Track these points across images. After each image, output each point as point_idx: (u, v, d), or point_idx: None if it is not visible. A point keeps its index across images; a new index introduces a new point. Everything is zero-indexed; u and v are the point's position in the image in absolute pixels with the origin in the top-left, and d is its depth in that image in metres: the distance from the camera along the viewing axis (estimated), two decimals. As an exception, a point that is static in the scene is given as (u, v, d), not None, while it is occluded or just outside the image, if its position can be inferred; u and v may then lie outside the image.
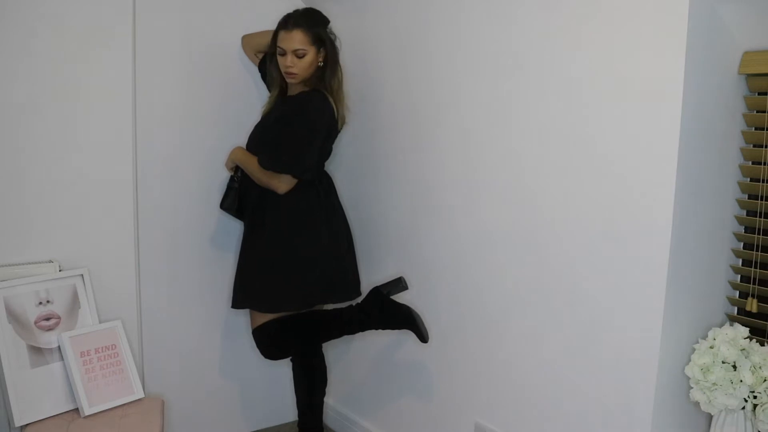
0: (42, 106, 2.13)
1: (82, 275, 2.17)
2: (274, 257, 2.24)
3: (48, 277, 2.10)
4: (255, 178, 2.26)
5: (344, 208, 2.46)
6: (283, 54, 2.18)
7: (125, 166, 2.32)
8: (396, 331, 2.42)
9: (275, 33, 2.21)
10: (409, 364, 2.40)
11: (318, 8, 2.69)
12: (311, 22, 2.19)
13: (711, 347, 1.58)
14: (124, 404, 2.06)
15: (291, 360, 2.52)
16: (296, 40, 2.16)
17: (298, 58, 2.17)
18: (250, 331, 2.39)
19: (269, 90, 2.37)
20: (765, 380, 1.52)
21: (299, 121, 2.20)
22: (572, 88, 1.75)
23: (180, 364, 2.58)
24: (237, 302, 2.33)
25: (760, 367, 1.53)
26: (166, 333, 2.53)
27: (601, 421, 1.74)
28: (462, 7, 2.05)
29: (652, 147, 1.57)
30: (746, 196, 1.70)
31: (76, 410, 2.00)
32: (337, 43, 2.27)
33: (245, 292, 2.30)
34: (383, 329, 2.26)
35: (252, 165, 2.25)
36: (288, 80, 2.23)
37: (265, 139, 2.25)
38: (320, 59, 2.21)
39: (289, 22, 2.18)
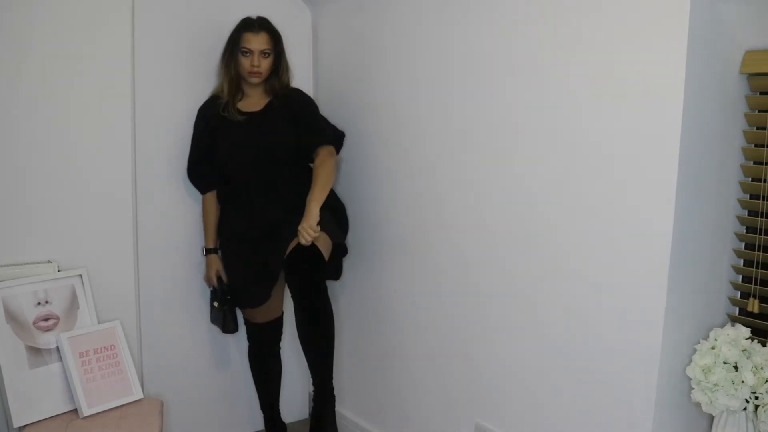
0: (40, 106, 2.12)
1: (80, 275, 2.16)
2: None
3: (47, 278, 2.10)
4: (333, 177, 2.39)
5: (346, 207, 2.54)
6: (248, 54, 2.31)
7: (124, 166, 2.31)
8: (395, 332, 2.42)
9: (237, 35, 2.32)
10: (409, 365, 2.39)
11: (318, 7, 2.70)
12: (273, 28, 2.36)
13: (712, 348, 1.57)
14: (123, 405, 2.06)
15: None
16: (264, 41, 2.31)
17: (264, 58, 2.32)
18: (255, 323, 2.53)
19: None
20: (767, 381, 1.51)
21: (313, 106, 2.48)
22: (572, 88, 1.74)
23: (179, 364, 2.58)
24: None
25: (761, 368, 1.52)
26: (165, 333, 2.52)
27: (602, 421, 1.74)
28: (462, 6, 2.05)
29: (653, 146, 1.57)
30: (748, 196, 1.69)
31: (75, 411, 2.00)
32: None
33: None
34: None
35: (331, 174, 2.36)
36: (252, 79, 2.34)
37: (310, 128, 2.40)
38: (273, 64, 2.37)
39: (254, 24, 2.32)
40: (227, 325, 2.47)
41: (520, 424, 1.98)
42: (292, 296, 2.35)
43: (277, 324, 2.59)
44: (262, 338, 2.59)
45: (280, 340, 2.62)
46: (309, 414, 2.91)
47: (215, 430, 2.71)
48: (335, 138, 2.45)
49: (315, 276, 2.31)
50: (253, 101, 2.40)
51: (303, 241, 2.21)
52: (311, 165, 2.39)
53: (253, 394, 2.74)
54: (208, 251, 2.50)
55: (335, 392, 2.41)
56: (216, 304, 2.48)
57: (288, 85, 2.43)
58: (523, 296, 1.93)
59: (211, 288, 2.51)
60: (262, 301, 2.44)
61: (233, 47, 2.32)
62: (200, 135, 2.41)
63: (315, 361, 2.36)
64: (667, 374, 1.61)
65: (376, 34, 2.41)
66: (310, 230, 2.20)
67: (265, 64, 2.33)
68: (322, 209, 2.34)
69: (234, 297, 2.48)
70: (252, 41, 2.29)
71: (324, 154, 2.37)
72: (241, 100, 2.40)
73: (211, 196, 2.47)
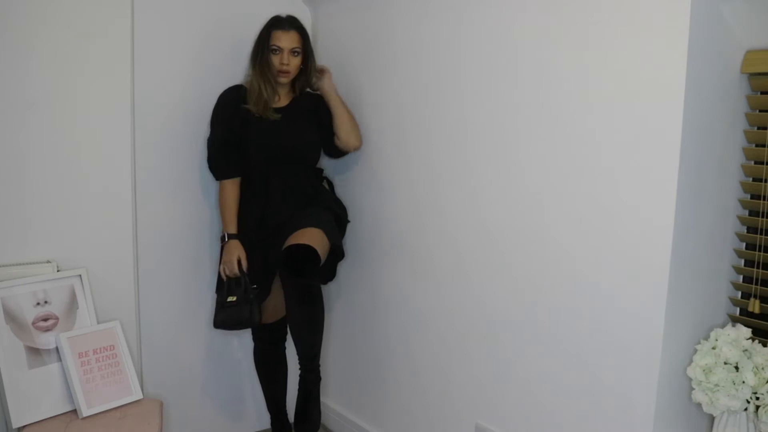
0: (40, 106, 2.12)
1: (80, 275, 2.16)
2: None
3: (46, 278, 2.09)
4: (349, 118, 2.44)
5: (348, 207, 2.55)
6: (278, 52, 2.29)
7: (124, 166, 2.31)
8: (396, 332, 2.42)
9: (267, 33, 2.30)
10: (409, 365, 2.39)
11: (318, 7, 2.70)
12: (303, 27, 2.35)
13: (713, 348, 1.57)
14: (122, 405, 2.05)
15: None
16: (294, 39, 2.30)
17: (293, 57, 2.31)
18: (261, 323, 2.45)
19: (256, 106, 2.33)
20: (767, 381, 1.51)
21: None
22: (573, 87, 1.74)
23: (179, 365, 2.57)
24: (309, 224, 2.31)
25: (762, 368, 1.52)
26: (164, 334, 2.52)
27: (603, 422, 1.73)
28: (462, 5, 2.04)
29: (654, 146, 1.56)
30: (748, 196, 1.69)
31: (75, 411, 1.99)
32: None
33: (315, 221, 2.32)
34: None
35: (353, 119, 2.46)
36: (280, 79, 2.32)
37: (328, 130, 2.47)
38: (301, 63, 2.36)
39: (285, 22, 2.31)
40: (253, 318, 2.32)
41: (520, 425, 1.98)
42: (282, 282, 2.27)
43: (282, 323, 2.57)
44: (268, 338, 2.58)
45: (285, 339, 2.61)
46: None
47: (215, 430, 2.71)
48: None
49: (308, 266, 2.22)
50: (281, 98, 2.40)
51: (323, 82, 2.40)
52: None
53: (253, 393, 2.74)
54: (229, 237, 2.36)
55: (323, 392, 2.41)
56: (233, 298, 2.32)
57: (310, 84, 2.43)
58: (523, 296, 1.93)
59: (226, 280, 2.34)
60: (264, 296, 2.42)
61: (262, 45, 2.30)
62: (229, 120, 2.34)
63: (303, 339, 2.27)
64: (668, 374, 1.61)
65: (376, 35, 2.41)
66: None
67: (294, 63, 2.32)
68: (325, 210, 2.37)
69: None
70: (282, 39, 2.28)
71: None
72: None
73: (234, 182, 2.39)
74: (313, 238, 2.25)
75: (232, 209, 2.38)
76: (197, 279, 2.57)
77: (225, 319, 2.33)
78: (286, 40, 2.28)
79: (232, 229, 2.37)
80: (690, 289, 1.62)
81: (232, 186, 2.39)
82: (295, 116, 2.38)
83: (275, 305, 2.46)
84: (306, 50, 2.34)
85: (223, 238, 2.39)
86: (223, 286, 2.35)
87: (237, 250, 2.34)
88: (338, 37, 2.61)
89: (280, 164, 2.36)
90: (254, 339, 2.61)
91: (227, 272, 2.34)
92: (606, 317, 1.70)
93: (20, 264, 2.09)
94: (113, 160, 2.28)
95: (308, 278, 2.26)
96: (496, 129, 1.97)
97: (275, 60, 2.29)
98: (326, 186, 2.56)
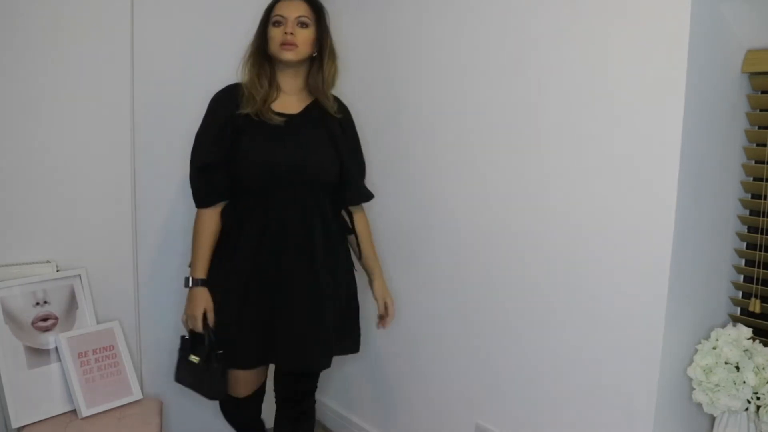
0: (39, 105, 2.12)
1: (80, 275, 2.16)
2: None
3: (45, 278, 2.09)
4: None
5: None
6: (281, 24, 1.81)
7: (123, 166, 2.30)
8: (396, 332, 2.42)
9: (269, 9, 1.87)
10: (409, 365, 2.39)
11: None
12: (317, 1, 1.89)
13: (714, 348, 1.57)
14: (122, 405, 2.05)
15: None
16: (301, 8, 1.82)
17: (301, 29, 1.82)
18: (233, 397, 2.03)
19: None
20: (768, 381, 1.51)
21: (359, 144, 2.09)
22: (574, 87, 1.74)
23: (179, 365, 2.57)
24: (329, 354, 1.95)
25: (763, 368, 1.52)
26: (164, 334, 2.51)
27: (603, 422, 1.73)
28: (463, 6, 2.04)
29: (655, 146, 1.56)
30: (749, 196, 1.69)
31: (74, 411, 1.99)
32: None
33: (345, 339, 2.01)
34: None
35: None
36: (284, 55, 1.81)
37: (358, 170, 2.04)
38: (315, 49, 1.87)
39: None
40: (214, 388, 1.87)
41: (520, 425, 1.98)
42: (275, 386, 2.08)
43: (259, 396, 2.09)
44: (241, 416, 2.09)
45: (260, 411, 2.15)
46: None
47: (215, 430, 2.70)
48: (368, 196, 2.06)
49: (309, 387, 2.06)
50: (290, 101, 1.88)
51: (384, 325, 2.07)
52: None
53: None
54: (195, 282, 1.86)
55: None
56: (196, 358, 1.87)
57: (333, 84, 1.92)
58: (523, 296, 1.93)
59: (188, 334, 1.92)
60: (251, 365, 1.93)
61: (264, 23, 1.85)
62: (219, 131, 1.84)
63: None
64: (668, 374, 1.61)
65: (377, 34, 2.40)
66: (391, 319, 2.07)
67: (303, 36, 1.80)
68: (354, 299, 2.06)
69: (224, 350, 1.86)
70: (286, 8, 1.80)
71: (363, 215, 2.06)
72: (276, 99, 1.87)
73: (214, 212, 1.87)
74: (318, 374, 2.03)
75: (204, 246, 1.86)
76: (197, 279, 2.57)
77: (185, 378, 1.94)
78: (290, 9, 1.80)
79: (201, 272, 1.86)
80: (690, 289, 1.62)
81: (210, 217, 1.87)
82: (307, 125, 1.87)
83: (258, 371, 1.98)
84: (319, 26, 1.83)
85: (187, 281, 1.89)
86: (187, 339, 1.94)
87: (203, 302, 1.85)
88: (338, 36, 2.60)
89: (284, 189, 1.83)
90: (222, 410, 2.10)
91: (190, 326, 1.89)
92: (606, 317, 1.70)
93: (20, 264, 2.09)
94: (113, 160, 2.28)
95: (307, 400, 2.04)
96: (496, 130, 1.97)
97: (277, 33, 1.80)
98: (346, 219, 2.05)
